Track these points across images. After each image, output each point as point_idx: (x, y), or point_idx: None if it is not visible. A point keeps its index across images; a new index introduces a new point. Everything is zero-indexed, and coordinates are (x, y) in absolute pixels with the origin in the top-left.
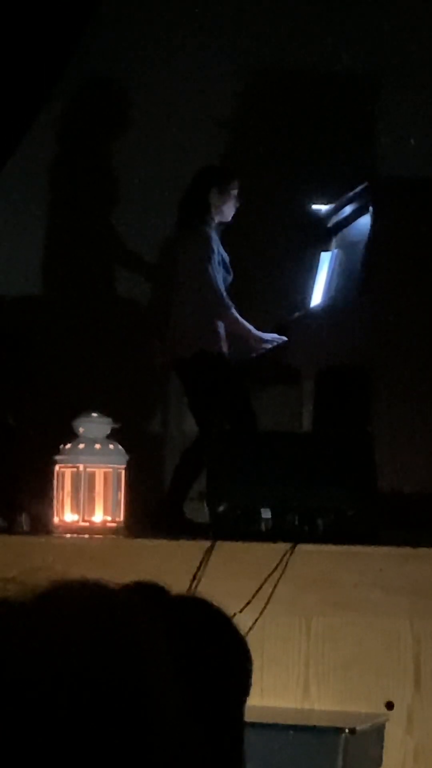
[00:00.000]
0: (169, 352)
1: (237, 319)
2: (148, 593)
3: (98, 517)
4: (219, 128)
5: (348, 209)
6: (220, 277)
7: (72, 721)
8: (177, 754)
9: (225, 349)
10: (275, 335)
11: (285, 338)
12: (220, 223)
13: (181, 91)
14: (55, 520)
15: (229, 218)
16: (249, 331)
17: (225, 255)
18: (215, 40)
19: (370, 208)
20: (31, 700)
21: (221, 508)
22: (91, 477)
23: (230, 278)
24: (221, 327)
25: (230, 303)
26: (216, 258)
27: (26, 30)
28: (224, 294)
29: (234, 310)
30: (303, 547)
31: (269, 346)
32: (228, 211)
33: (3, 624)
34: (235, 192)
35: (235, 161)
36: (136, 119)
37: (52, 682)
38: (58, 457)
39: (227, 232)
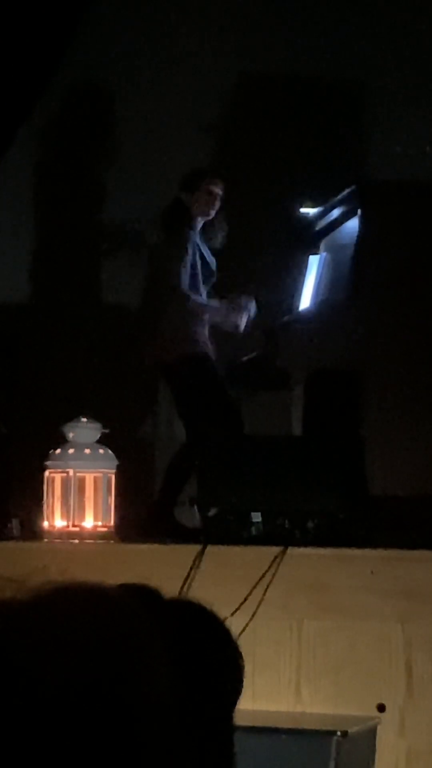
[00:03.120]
0: (156, 358)
1: (198, 302)
2: (142, 595)
3: (88, 522)
4: (207, 132)
5: (336, 212)
6: (187, 277)
7: (66, 719)
8: (169, 755)
9: (211, 352)
10: (245, 298)
11: (253, 299)
12: (209, 223)
13: (169, 95)
14: (46, 525)
15: (211, 215)
16: (218, 308)
17: (211, 257)
18: (204, 45)
19: (358, 211)
20: (27, 698)
21: (212, 513)
22: (81, 482)
23: (214, 279)
24: (205, 330)
25: (188, 292)
26: (189, 258)
27: (13, 33)
28: (185, 286)
29: (193, 297)
30: (294, 551)
31: (245, 312)
32: (205, 208)
33: (1, 623)
34: (213, 188)
35: (224, 165)
36: (125, 124)
37: (48, 681)
38: (47, 463)
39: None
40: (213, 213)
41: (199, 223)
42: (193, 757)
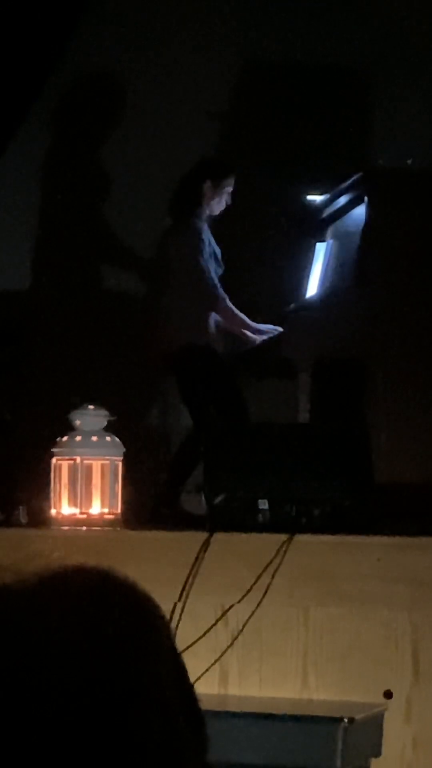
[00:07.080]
0: (162, 345)
1: (232, 310)
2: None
3: (96, 509)
4: (213, 120)
5: (343, 199)
6: (213, 269)
7: (68, 709)
8: (173, 746)
9: (217, 341)
10: (270, 326)
11: (280, 329)
12: (210, 216)
13: (175, 82)
14: (53, 512)
15: (217, 213)
16: (244, 322)
17: (216, 247)
18: (210, 33)
19: (365, 198)
20: (28, 688)
21: (218, 500)
22: (89, 469)
23: (221, 270)
24: (213, 319)
25: (225, 295)
26: (207, 249)
27: (19, 22)
28: (218, 285)
29: (229, 302)
30: (300, 538)
31: (265, 337)
32: (217, 207)
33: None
34: (228, 188)
35: (230, 153)
36: (130, 111)
37: (49, 671)
38: (55, 450)
39: (222, 223)
40: (219, 213)
41: (206, 214)
42: (193, 748)
